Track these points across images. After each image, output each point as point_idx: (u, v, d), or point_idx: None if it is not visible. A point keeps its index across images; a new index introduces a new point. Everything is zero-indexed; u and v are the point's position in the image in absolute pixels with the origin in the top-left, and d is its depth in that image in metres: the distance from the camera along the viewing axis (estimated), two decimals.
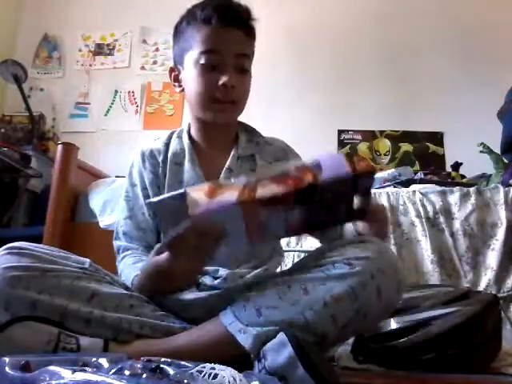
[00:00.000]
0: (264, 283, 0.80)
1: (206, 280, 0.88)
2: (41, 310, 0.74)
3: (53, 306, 0.74)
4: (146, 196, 0.99)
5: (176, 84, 1.04)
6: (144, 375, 0.48)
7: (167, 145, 1.06)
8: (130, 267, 0.90)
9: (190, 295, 0.85)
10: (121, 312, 0.78)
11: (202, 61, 0.95)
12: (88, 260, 0.85)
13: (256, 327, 0.72)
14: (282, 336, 0.66)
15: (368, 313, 0.75)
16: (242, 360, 0.69)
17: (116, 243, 0.99)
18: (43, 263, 0.78)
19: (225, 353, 0.71)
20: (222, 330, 0.74)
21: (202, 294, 0.85)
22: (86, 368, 0.49)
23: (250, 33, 1.00)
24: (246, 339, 0.71)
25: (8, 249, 0.78)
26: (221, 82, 0.93)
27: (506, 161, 1.93)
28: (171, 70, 1.05)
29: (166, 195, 0.75)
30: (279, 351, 0.64)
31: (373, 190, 1.78)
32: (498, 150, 2.00)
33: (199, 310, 0.83)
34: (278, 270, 1.03)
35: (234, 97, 0.96)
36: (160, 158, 1.03)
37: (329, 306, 0.73)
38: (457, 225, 1.61)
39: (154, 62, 3.13)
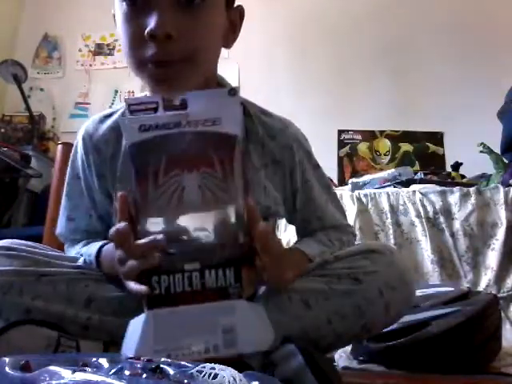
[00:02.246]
0: (264, 292, 0.75)
1: None
2: (36, 316, 0.70)
3: (49, 313, 0.71)
4: (89, 189, 0.80)
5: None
6: (144, 375, 0.48)
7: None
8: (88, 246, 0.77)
9: None
10: (119, 315, 0.74)
11: None
12: (82, 257, 0.80)
13: None
14: (289, 345, 0.64)
15: (374, 327, 0.72)
16: (242, 361, 0.69)
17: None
18: (37, 266, 0.73)
19: (225, 361, 0.69)
20: None
21: None
22: (86, 368, 0.49)
23: None
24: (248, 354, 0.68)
25: None
26: (146, 31, 0.60)
27: (506, 161, 1.94)
28: (114, 15, 0.71)
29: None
30: (288, 360, 0.62)
31: (365, 191, 1.78)
32: (498, 150, 2.00)
33: None
34: None
35: (179, 52, 0.62)
36: (90, 146, 0.81)
37: (333, 324, 0.69)
38: (457, 225, 1.61)
39: None
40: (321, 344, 0.70)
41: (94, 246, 0.76)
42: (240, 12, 0.73)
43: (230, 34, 0.73)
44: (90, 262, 0.75)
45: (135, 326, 0.57)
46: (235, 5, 0.72)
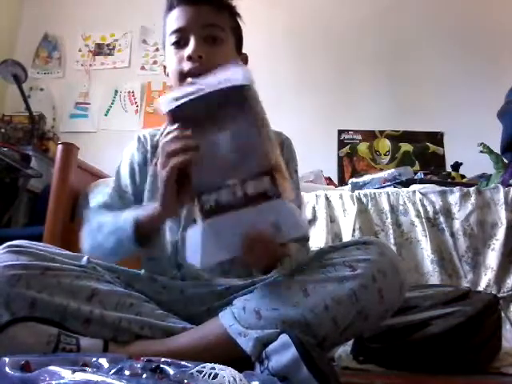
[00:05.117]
0: (263, 283, 0.80)
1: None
2: (41, 309, 0.73)
3: (53, 305, 0.74)
4: (132, 176, 1.01)
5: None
6: (144, 375, 0.48)
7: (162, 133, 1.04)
8: (121, 213, 0.87)
9: (191, 290, 0.85)
10: (121, 311, 0.77)
11: (171, 41, 0.95)
12: (86, 257, 0.85)
13: (256, 330, 0.71)
14: (284, 337, 0.66)
15: (369, 315, 0.75)
16: (242, 360, 0.69)
17: (90, 210, 0.98)
18: (43, 261, 0.77)
19: (225, 354, 0.70)
20: (222, 332, 0.73)
21: (203, 291, 0.85)
22: (86, 368, 0.49)
23: (219, 6, 0.96)
24: (246, 342, 0.70)
25: (7, 247, 0.78)
26: (186, 55, 0.92)
27: (506, 161, 1.93)
28: (164, 66, 1.05)
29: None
30: (282, 352, 0.64)
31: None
32: (498, 150, 2.00)
33: (199, 308, 0.83)
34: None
35: (207, 68, 0.88)
36: (149, 144, 1.04)
37: (330, 309, 0.72)
38: (457, 225, 1.61)
39: (154, 62, 3.14)
40: (319, 333, 0.72)
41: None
42: (245, 58, 1.04)
43: None
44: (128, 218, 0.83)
45: (194, 238, 0.67)
46: (243, 51, 1.04)
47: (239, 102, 0.66)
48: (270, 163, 0.65)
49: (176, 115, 0.69)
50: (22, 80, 2.67)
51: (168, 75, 1.00)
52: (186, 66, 0.92)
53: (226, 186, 0.65)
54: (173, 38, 0.95)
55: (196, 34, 0.92)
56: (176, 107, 0.68)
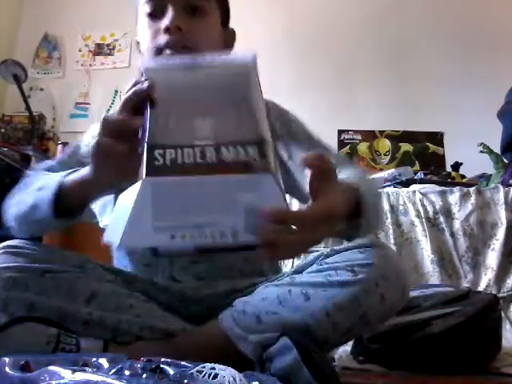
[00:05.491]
0: (264, 285, 0.79)
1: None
2: (39, 311, 0.73)
3: (51, 308, 0.73)
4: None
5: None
6: (144, 375, 0.48)
7: None
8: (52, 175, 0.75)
9: (192, 291, 0.85)
10: (120, 313, 0.77)
11: (146, 11, 0.85)
12: (84, 257, 0.83)
13: (256, 334, 0.71)
14: (285, 339, 0.66)
15: (371, 319, 0.74)
16: (242, 361, 0.69)
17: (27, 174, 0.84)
18: (40, 263, 0.76)
19: (225, 356, 0.69)
20: (222, 335, 0.73)
21: (203, 292, 0.85)
22: (86, 368, 0.49)
23: None
24: (246, 346, 0.70)
25: (4, 248, 0.77)
26: (163, 26, 0.81)
27: (506, 161, 1.94)
28: (138, 42, 0.93)
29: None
30: (283, 354, 0.64)
31: None
32: (498, 150, 2.00)
33: (199, 309, 0.83)
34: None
35: (186, 42, 0.81)
36: None
37: (331, 314, 0.71)
38: (457, 225, 1.61)
39: None
40: (319, 336, 0.71)
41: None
42: (232, 33, 0.95)
43: (226, 50, 0.91)
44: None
45: (125, 202, 0.44)
46: (230, 27, 0.94)
47: (240, 80, 0.52)
48: (260, 135, 0.48)
49: (156, 80, 0.54)
50: (22, 80, 2.66)
51: (141, 53, 0.90)
52: (163, 39, 0.81)
53: (192, 146, 0.47)
54: (147, 8, 0.84)
55: (174, 3, 0.82)
56: (160, 71, 0.55)
